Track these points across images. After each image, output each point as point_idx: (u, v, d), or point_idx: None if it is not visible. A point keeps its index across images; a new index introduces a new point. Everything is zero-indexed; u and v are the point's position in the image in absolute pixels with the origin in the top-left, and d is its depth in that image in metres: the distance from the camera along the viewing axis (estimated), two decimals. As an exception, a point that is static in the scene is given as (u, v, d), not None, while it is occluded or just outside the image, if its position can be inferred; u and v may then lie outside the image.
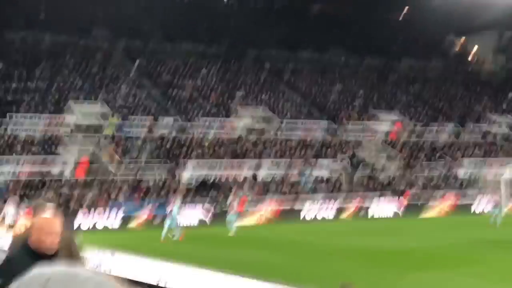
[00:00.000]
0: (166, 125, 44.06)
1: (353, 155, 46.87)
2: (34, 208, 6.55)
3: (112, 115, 43.33)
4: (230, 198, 32.34)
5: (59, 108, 43.15)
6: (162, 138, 42.81)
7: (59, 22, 56.32)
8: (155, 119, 44.22)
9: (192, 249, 23.20)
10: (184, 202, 32.93)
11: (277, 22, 68.20)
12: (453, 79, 66.89)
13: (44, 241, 4.30)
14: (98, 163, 39.30)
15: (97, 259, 15.39)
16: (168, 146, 41.96)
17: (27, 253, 4.24)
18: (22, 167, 35.91)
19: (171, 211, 27.20)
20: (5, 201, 30.02)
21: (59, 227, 4.43)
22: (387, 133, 51.67)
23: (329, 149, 46.86)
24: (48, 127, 39.86)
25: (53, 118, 41.16)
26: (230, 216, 29.69)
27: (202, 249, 23.17)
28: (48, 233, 4.34)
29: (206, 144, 43.21)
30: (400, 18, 76.51)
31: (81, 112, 43.01)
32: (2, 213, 28.15)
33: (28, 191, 33.70)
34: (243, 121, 46.91)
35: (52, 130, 39.72)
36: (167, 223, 27.08)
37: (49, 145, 38.95)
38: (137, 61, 53.01)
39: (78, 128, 42.28)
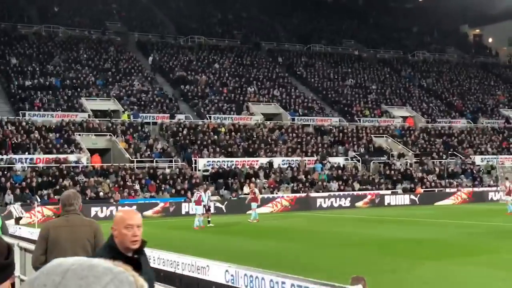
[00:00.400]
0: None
1: (370, 142, 46.80)
2: (63, 199, 6.48)
3: (123, 112, 43.36)
4: (251, 185, 32.39)
5: (71, 105, 43.13)
6: (178, 124, 42.91)
7: (72, 16, 56.60)
8: (171, 117, 44.04)
9: (207, 237, 23.32)
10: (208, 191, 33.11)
11: (290, 13, 68.06)
12: (467, 72, 66.32)
13: (126, 234, 4.17)
14: (115, 150, 39.55)
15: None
16: (184, 133, 42.05)
17: (111, 250, 4.13)
18: (38, 155, 36.24)
19: (199, 198, 27.41)
20: (7, 204, 30.40)
21: (140, 219, 4.27)
22: (402, 124, 51.44)
23: (345, 136, 46.79)
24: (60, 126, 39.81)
25: (66, 115, 41.18)
26: (252, 204, 29.87)
27: (217, 238, 23.30)
28: (129, 225, 4.19)
29: (222, 130, 43.28)
30: (415, 9, 76.03)
31: (93, 110, 43.03)
32: (7, 211, 28.34)
33: (45, 178, 34.01)
34: (254, 118, 46.70)
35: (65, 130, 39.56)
36: (197, 210, 27.27)
37: (66, 131, 39.21)
38: (151, 57, 52.88)
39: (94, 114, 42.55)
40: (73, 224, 6.30)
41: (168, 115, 44.46)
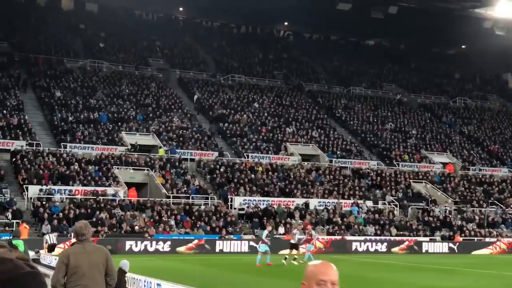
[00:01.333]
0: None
1: (408, 187, 46.18)
2: (76, 230, 7.33)
3: (160, 147, 43.61)
4: (308, 227, 32.17)
5: (111, 138, 43.66)
6: (216, 161, 43.01)
7: (117, 52, 57.77)
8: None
9: (240, 277, 23.08)
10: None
11: (331, 55, 68.34)
12: (509, 120, 65.36)
13: None
14: (151, 185, 39.77)
15: (145, 284, 15.46)
16: (221, 170, 42.12)
17: None
18: (77, 187, 36.61)
19: (267, 237, 28.13)
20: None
21: (336, 275, 3.40)
22: (442, 171, 50.67)
23: (383, 180, 46.26)
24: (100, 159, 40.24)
25: (105, 149, 41.66)
26: (308, 246, 29.72)
27: (249, 278, 23.04)
28: (322, 282, 3.32)
29: (259, 169, 43.22)
30: (456, 55, 75.55)
31: (132, 144, 43.32)
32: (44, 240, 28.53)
33: (83, 210, 34.27)
34: (292, 158, 46.59)
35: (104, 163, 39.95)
36: (261, 248, 27.48)
37: (105, 164, 39.61)
38: (196, 96, 53.37)
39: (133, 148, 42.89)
40: (89, 251, 7.29)
41: (207, 152, 44.65)
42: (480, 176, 50.97)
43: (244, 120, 50.95)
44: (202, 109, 52.67)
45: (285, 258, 28.07)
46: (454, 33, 62.20)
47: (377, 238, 38.37)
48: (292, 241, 28.90)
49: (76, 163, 38.60)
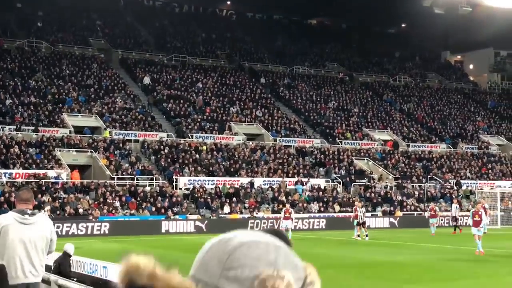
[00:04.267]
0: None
1: (351, 164, 47.02)
2: None
3: (105, 129, 43.10)
4: (357, 204, 33.27)
5: (52, 120, 42.80)
6: (160, 142, 42.82)
7: (56, 31, 56.37)
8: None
9: (186, 257, 23.21)
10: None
11: (274, 34, 68.52)
12: (447, 97, 67.13)
13: None
14: (95, 167, 39.34)
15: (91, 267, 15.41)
16: (166, 151, 41.96)
17: None
18: (18, 170, 35.90)
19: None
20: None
21: None
22: (383, 148, 51.80)
23: (326, 158, 46.96)
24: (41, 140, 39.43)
25: (46, 131, 40.84)
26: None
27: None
28: None
29: (204, 149, 43.25)
30: (397, 34, 76.91)
31: (74, 126, 42.66)
32: None
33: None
34: (237, 138, 46.79)
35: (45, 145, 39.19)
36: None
37: (46, 147, 38.92)
38: (148, 77, 52.55)
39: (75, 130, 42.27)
40: None
41: (151, 132, 44.39)
42: (420, 152, 52.30)
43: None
44: (141, 87, 52.12)
45: (367, 235, 30.69)
46: (394, 12, 63.21)
47: (321, 215, 39.04)
48: (359, 220, 31.08)
49: (16, 146, 37.78)
